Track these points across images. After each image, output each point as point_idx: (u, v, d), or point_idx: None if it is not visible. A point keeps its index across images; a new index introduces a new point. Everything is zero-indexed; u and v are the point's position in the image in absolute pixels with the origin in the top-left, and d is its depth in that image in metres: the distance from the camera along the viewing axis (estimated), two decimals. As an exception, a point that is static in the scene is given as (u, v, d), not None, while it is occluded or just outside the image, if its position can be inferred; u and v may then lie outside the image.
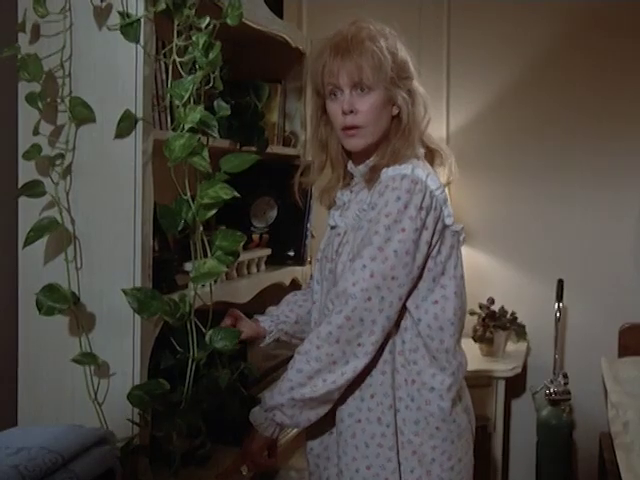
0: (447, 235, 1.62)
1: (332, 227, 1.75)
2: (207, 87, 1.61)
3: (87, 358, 1.57)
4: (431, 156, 1.72)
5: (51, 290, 1.55)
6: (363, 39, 1.61)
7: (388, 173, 1.61)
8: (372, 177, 1.65)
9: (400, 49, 1.66)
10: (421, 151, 1.68)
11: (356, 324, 1.55)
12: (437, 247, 1.61)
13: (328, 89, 1.65)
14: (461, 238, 1.67)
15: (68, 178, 1.59)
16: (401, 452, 1.62)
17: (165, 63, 1.65)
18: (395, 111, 1.66)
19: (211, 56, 1.57)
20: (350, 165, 1.74)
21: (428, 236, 1.58)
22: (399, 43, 1.66)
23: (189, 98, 1.55)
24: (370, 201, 1.62)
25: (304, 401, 1.57)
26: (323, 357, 1.55)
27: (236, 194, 1.57)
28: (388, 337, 1.61)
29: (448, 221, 1.62)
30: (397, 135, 1.65)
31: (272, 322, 1.87)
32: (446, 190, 1.66)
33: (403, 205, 1.55)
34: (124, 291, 1.51)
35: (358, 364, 1.56)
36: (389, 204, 1.56)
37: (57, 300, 1.55)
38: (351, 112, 1.62)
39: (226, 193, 1.57)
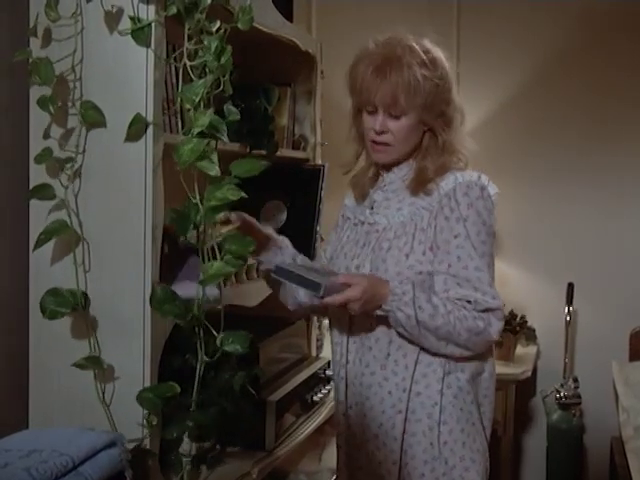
0: None
1: (357, 223, 1.78)
2: (217, 91, 1.61)
3: (90, 362, 1.57)
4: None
5: (55, 294, 1.56)
6: (401, 63, 1.63)
7: (458, 179, 1.67)
8: (419, 187, 1.70)
9: (438, 63, 1.67)
10: (465, 155, 1.74)
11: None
12: None
13: (364, 101, 1.68)
14: None
15: (78, 181, 1.59)
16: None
17: (176, 67, 1.65)
18: (427, 127, 1.70)
19: (222, 60, 1.57)
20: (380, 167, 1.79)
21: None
22: (437, 56, 1.68)
23: (199, 102, 1.55)
24: (443, 202, 1.66)
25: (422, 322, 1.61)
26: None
27: (243, 194, 1.57)
28: None
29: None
30: (437, 150, 1.70)
31: (289, 244, 1.88)
32: None
33: (488, 214, 1.66)
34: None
35: None
36: (481, 214, 1.65)
37: (61, 304, 1.55)
38: (382, 132, 1.67)
39: (233, 194, 1.56)
